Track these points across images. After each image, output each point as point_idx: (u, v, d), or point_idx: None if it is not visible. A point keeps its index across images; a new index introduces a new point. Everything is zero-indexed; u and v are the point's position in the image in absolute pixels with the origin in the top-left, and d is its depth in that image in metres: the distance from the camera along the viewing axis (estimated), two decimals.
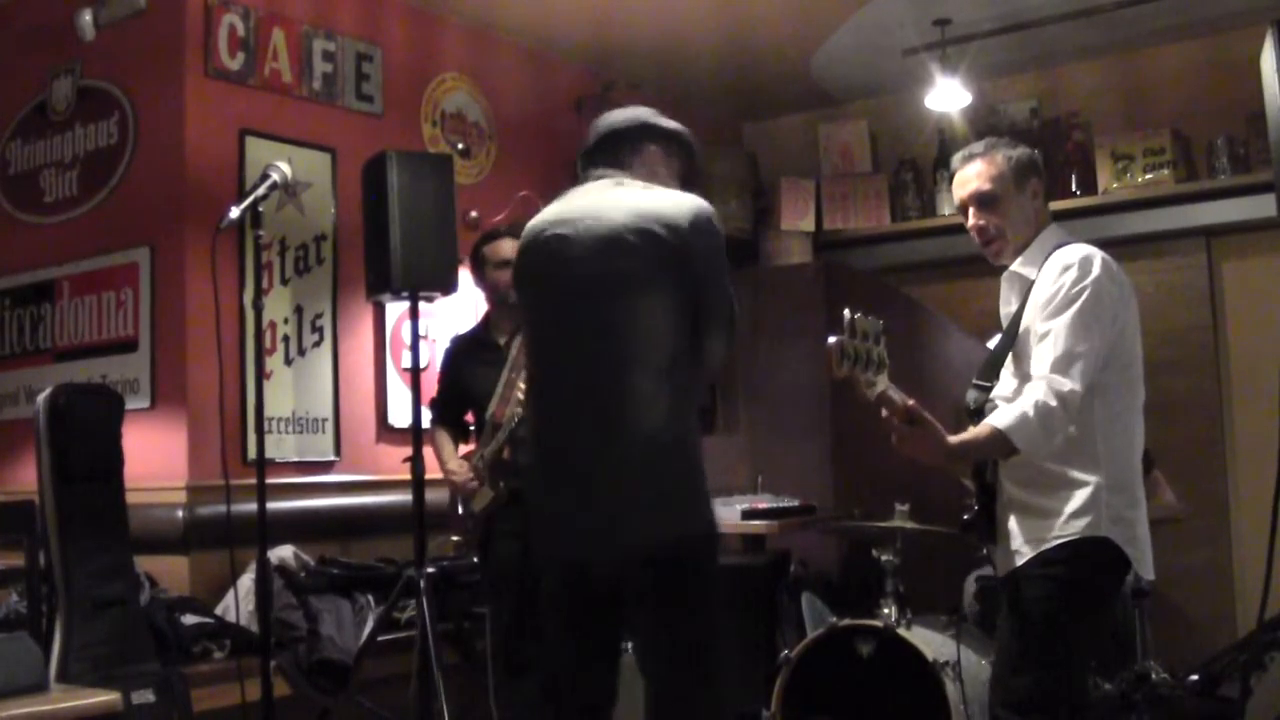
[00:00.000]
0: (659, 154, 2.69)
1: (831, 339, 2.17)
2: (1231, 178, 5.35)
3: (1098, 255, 2.53)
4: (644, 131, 2.69)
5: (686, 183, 2.74)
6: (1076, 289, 2.46)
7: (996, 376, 2.62)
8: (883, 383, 2.29)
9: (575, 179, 2.75)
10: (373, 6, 4.87)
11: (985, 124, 5.81)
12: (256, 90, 4.40)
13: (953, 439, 2.38)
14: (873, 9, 5.14)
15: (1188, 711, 3.69)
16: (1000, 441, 2.38)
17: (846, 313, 2.21)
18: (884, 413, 2.34)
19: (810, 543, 4.60)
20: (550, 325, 2.63)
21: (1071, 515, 2.47)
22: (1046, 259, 2.56)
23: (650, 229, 2.48)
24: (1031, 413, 2.37)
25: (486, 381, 3.77)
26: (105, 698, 2.91)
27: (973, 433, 2.46)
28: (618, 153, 2.66)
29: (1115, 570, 2.51)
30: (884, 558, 3.61)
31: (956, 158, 2.70)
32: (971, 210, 2.65)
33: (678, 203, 2.54)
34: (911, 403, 2.32)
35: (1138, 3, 5.05)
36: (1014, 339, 2.58)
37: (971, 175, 2.64)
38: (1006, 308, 2.68)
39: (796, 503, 4.35)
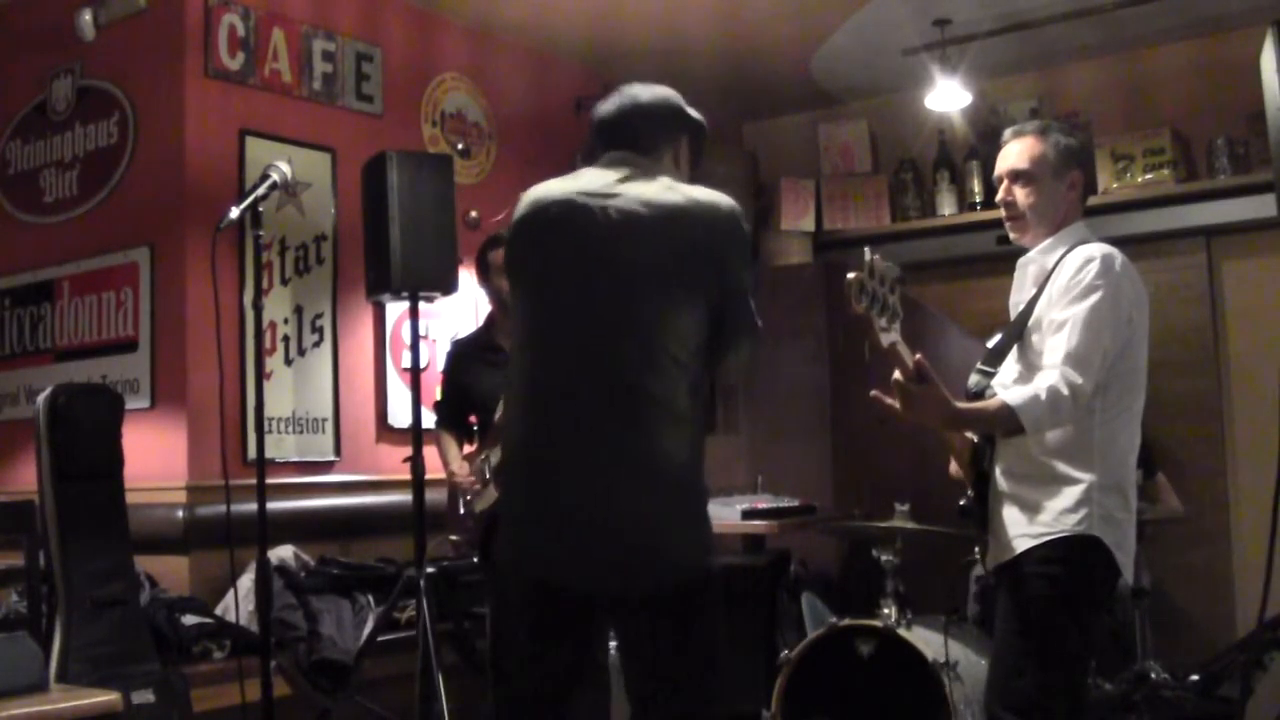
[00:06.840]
0: (683, 146, 2.43)
1: (850, 275, 2.16)
2: (1231, 178, 5.35)
3: (1119, 256, 2.54)
4: (677, 119, 2.42)
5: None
6: (1097, 282, 2.47)
7: (1001, 363, 2.62)
8: (896, 333, 2.28)
9: (576, 164, 2.46)
10: (373, 6, 4.86)
11: (985, 124, 5.81)
12: (256, 90, 4.40)
13: (959, 404, 2.40)
14: (873, 9, 5.14)
15: (1188, 711, 3.68)
16: (1007, 417, 2.39)
17: (866, 251, 2.20)
18: (894, 375, 2.34)
19: (810, 543, 4.60)
20: (565, 307, 2.27)
21: (1063, 511, 2.47)
22: (1067, 252, 2.57)
23: (688, 228, 2.23)
24: (1043, 396, 2.38)
25: (489, 384, 3.76)
26: (105, 698, 2.91)
27: (980, 404, 2.48)
28: (644, 137, 2.36)
29: (1108, 570, 2.51)
30: (884, 558, 3.61)
31: (1008, 132, 2.72)
32: (1005, 183, 2.68)
33: (716, 205, 2.28)
34: (919, 356, 2.33)
35: (1138, 3, 5.04)
36: (1023, 328, 2.59)
37: (1015, 151, 2.66)
38: (1019, 294, 2.69)
39: (796, 503, 4.35)
